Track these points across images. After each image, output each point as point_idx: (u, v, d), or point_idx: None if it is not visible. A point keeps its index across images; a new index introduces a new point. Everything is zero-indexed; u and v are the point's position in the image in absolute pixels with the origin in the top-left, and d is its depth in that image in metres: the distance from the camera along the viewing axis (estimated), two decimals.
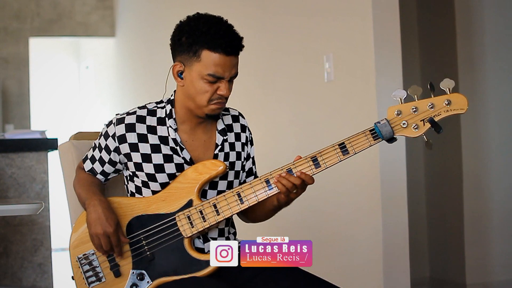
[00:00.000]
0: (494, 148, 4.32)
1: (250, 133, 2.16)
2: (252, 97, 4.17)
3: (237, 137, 2.11)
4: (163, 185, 2.01)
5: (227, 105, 2.12)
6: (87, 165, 2.11)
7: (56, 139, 3.29)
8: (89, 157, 2.11)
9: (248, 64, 4.05)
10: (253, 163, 2.17)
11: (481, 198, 4.29)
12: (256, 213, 2.12)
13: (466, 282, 4.21)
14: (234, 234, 2.13)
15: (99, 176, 2.10)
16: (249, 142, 2.15)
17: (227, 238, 2.08)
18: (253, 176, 2.15)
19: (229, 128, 2.10)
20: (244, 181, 2.12)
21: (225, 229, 2.07)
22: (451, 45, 4.29)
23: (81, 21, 7.21)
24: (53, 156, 3.15)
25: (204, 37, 1.92)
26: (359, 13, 3.18)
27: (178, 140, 2.01)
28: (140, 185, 2.04)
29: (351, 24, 3.25)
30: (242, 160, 2.11)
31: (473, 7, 4.30)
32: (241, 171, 2.11)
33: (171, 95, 2.06)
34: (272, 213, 2.09)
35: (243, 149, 2.11)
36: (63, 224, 3.27)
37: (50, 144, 3.29)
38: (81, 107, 8.73)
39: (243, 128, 2.14)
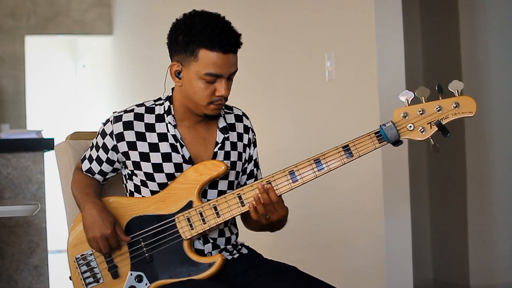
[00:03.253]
0: (498, 149, 4.31)
1: (254, 135, 2.12)
2: (252, 96, 4.15)
3: (240, 137, 2.07)
4: (161, 186, 1.98)
5: (232, 104, 2.07)
6: (85, 165, 2.08)
7: (53, 139, 3.28)
8: (86, 157, 2.09)
9: (249, 63, 4.02)
10: (255, 165, 2.12)
11: (484, 200, 4.28)
12: (250, 223, 2.09)
13: (470, 285, 4.21)
14: (237, 235, 2.10)
15: (97, 176, 2.08)
16: (252, 144, 2.10)
17: (228, 239, 2.04)
18: (253, 179, 2.10)
19: (231, 127, 2.06)
20: (245, 183, 2.07)
21: (225, 229, 2.03)
22: (454, 43, 4.27)
23: (78, 19, 7.19)
24: (49, 157, 3.13)
25: (201, 36, 1.87)
26: (361, 11, 3.17)
27: (178, 136, 1.98)
28: (139, 184, 2.00)
29: (352, 22, 3.24)
30: (243, 161, 2.07)
31: (476, 8, 4.28)
32: (241, 174, 2.07)
33: (170, 92, 2.03)
34: (260, 229, 2.06)
35: (244, 151, 2.07)
36: (60, 225, 3.24)
37: (46, 144, 3.28)
38: (78, 106, 8.70)
39: (246, 129, 2.09)
